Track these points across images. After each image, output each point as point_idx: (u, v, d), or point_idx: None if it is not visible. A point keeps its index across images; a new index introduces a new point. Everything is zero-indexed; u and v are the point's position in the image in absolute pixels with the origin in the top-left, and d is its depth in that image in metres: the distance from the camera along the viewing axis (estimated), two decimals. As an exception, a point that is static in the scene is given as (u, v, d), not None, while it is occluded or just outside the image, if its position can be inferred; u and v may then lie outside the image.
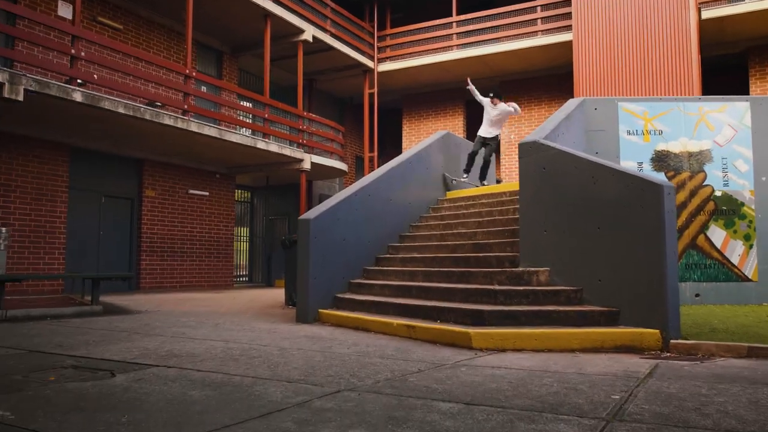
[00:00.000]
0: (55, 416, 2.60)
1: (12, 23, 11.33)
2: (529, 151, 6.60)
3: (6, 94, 9.28)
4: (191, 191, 15.30)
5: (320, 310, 7.41)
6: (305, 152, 15.49)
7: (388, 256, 8.59)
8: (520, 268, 6.45)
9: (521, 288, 6.11)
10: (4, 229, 7.16)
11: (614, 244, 5.65)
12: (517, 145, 18.25)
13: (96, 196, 13.41)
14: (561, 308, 5.70)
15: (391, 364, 4.29)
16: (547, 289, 6.04)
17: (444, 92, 19.69)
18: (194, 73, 12.74)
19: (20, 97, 9.44)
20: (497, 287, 6.19)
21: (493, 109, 10.69)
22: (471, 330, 5.34)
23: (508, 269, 6.58)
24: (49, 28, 11.50)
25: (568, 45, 15.94)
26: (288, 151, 14.90)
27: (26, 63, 10.57)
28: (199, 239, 15.48)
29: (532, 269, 6.35)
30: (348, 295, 7.68)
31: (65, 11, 12.57)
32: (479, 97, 11.01)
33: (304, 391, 3.21)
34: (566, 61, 16.52)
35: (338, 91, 20.61)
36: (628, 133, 9.10)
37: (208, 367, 3.93)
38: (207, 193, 15.74)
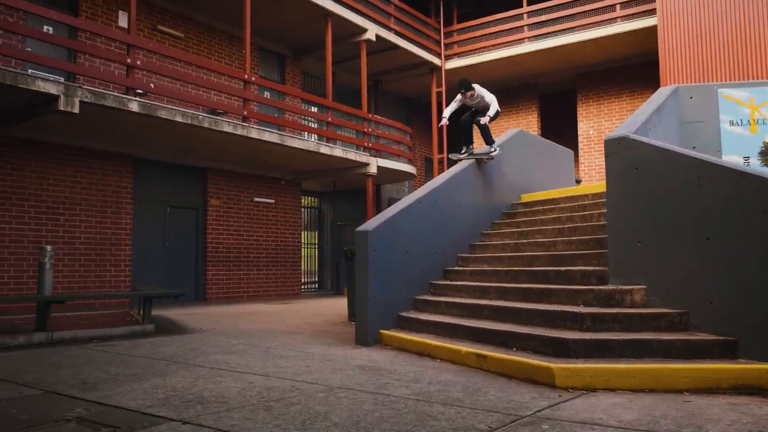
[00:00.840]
0: None
1: (74, 36, 11.26)
2: (617, 148, 5.65)
3: (62, 107, 9.10)
4: (256, 199, 14.97)
5: (382, 331, 6.70)
6: (371, 156, 14.86)
7: (457, 268, 7.79)
8: (610, 286, 5.51)
9: (612, 311, 5.18)
10: (49, 248, 6.84)
11: (730, 257, 4.65)
12: (596, 142, 17.08)
13: (160, 206, 13.24)
14: (663, 336, 4.74)
15: (456, 415, 3.52)
16: (645, 312, 5.09)
17: (516, 88, 18.62)
18: (253, 78, 12.33)
19: (76, 110, 9.24)
20: (583, 309, 5.29)
21: (472, 100, 8.58)
22: (554, 364, 4.49)
23: (595, 287, 5.65)
24: (110, 40, 11.36)
25: (650, 31, 14.57)
26: (353, 155, 14.31)
27: (86, 75, 10.43)
28: (265, 248, 15.13)
29: (625, 287, 5.40)
30: (413, 314, 6.94)
31: (126, 21, 12.43)
32: (454, 105, 8.82)
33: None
34: (649, 49, 15.16)
35: (405, 92, 19.91)
36: (731, 123, 7.94)
37: (232, 421, 3.28)
38: (272, 201, 15.38)
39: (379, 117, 15.86)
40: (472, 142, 9.00)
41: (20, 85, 8.71)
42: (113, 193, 12.16)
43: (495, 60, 17.13)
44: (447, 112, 8.88)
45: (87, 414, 3.41)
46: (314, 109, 15.02)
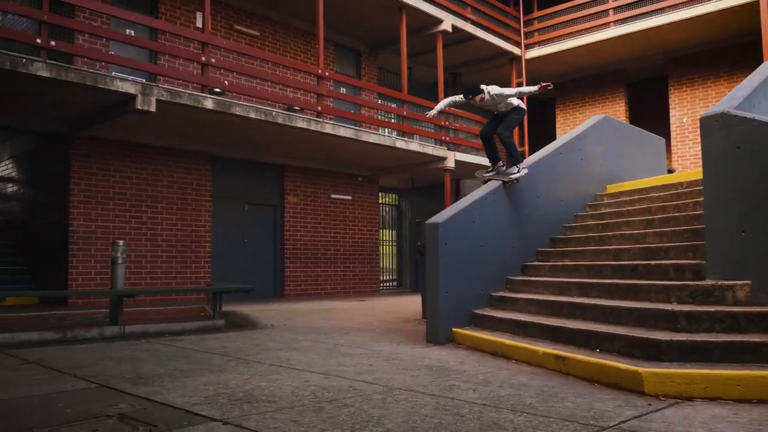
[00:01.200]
0: None
1: (155, 38, 11.51)
2: (715, 126, 5.02)
3: (139, 106, 9.25)
4: (333, 196, 14.89)
5: (454, 329, 6.32)
6: (449, 150, 14.44)
7: (536, 263, 7.29)
8: (709, 282, 4.90)
9: (711, 309, 4.57)
10: (121, 242, 6.90)
11: None
12: (690, 130, 15.88)
13: (239, 203, 13.37)
14: (773, 339, 4.12)
15: (526, 424, 3.11)
16: (750, 310, 4.46)
17: (601, 76, 17.66)
18: (326, 73, 12.20)
19: (152, 108, 9.38)
20: (677, 307, 4.71)
21: (489, 104, 7.24)
22: (642, 368, 3.97)
23: (691, 282, 5.04)
24: (188, 41, 11.55)
25: (751, 6, 13.34)
26: (430, 149, 13.94)
27: (164, 75, 10.62)
28: (342, 245, 15.03)
29: (726, 282, 4.77)
30: (487, 312, 6.52)
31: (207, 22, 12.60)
32: (448, 100, 7.61)
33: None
34: (749, 26, 13.93)
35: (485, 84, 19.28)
36: None
37: (276, 423, 3.03)
38: (350, 197, 15.26)
39: (456, 110, 15.41)
40: (500, 158, 7.40)
41: (100, 86, 8.92)
42: (193, 191, 12.37)
43: (578, 47, 16.28)
44: (436, 108, 7.59)
45: (130, 410, 3.26)
46: (395, 106, 14.76)
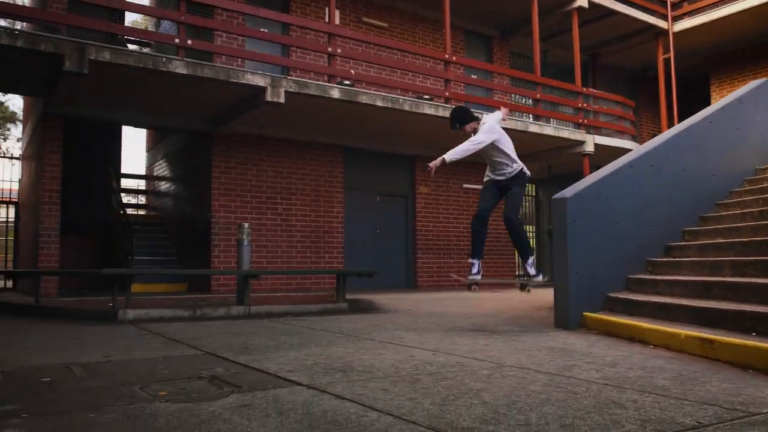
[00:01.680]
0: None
1: (286, 33, 11.87)
2: None
3: (269, 98, 9.53)
4: (465, 185, 14.54)
5: (585, 314, 5.78)
6: (587, 133, 13.55)
7: (681, 243, 6.51)
8: None
9: None
10: (246, 225, 7.08)
11: None
12: None
13: (370, 195, 13.45)
14: None
15: (653, 405, 2.65)
16: None
17: (763, 46, 15.72)
18: (454, 58, 11.89)
19: (281, 99, 9.63)
20: None
21: (476, 138, 5.82)
22: (808, 351, 3.31)
23: None
24: (319, 35, 11.78)
25: None
26: (566, 133, 13.16)
27: (294, 67, 10.91)
28: (476, 236, 14.60)
29: None
30: (624, 295, 5.90)
31: (335, 16, 12.81)
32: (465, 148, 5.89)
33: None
34: None
35: (628, 64, 17.96)
36: None
37: (362, 390, 2.81)
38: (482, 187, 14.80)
39: (594, 90, 14.45)
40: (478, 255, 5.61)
41: (232, 80, 9.30)
42: (326, 182, 12.60)
43: (735, 14, 14.55)
44: (446, 157, 5.77)
45: (223, 374, 3.21)
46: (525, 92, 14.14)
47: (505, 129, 12.20)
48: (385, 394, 2.74)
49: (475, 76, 14.27)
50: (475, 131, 5.79)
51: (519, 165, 5.94)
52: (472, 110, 5.86)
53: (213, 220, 11.23)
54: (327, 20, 12.68)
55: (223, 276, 11.01)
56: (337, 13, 12.63)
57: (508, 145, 5.86)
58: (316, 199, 12.45)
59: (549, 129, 12.81)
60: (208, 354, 3.91)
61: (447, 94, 11.61)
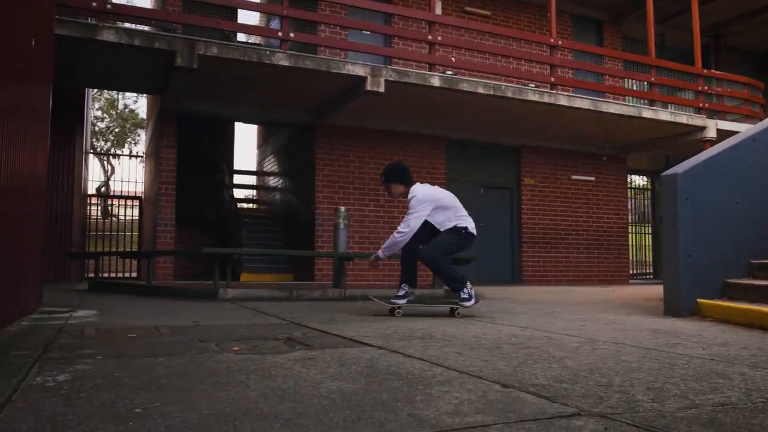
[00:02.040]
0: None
1: (389, 23, 11.92)
2: None
3: (369, 87, 9.58)
4: (574, 177, 13.94)
5: (699, 300, 5.29)
6: (708, 118, 12.57)
7: (817, 226, 5.82)
8: None
9: None
10: (342, 209, 7.15)
11: None
12: None
13: (474, 187, 13.19)
14: None
15: (763, 378, 2.33)
16: None
17: None
18: (560, 42, 11.42)
19: (381, 89, 9.64)
20: None
21: (405, 225, 5.07)
22: None
23: None
24: (419, 25, 11.73)
25: None
26: (684, 118, 12.27)
27: (393, 57, 10.92)
28: (585, 229, 13.99)
29: None
30: (745, 281, 5.35)
31: (439, 7, 12.69)
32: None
33: (495, 405, 1.71)
34: None
35: (757, 44, 16.51)
36: None
37: (437, 353, 2.69)
38: (593, 178, 14.15)
39: (718, 72, 13.39)
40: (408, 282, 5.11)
41: (333, 70, 9.43)
42: (428, 174, 12.49)
43: None
44: (380, 254, 5.23)
45: (300, 337, 3.20)
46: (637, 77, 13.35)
47: (615, 116, 11.62)
48: (459, 356, 2.60)
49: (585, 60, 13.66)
50: (403, 196, 5.18)
51: (463, 223, 5.24)
52: (409, 174, 5.27)
53: (317, 212, 11.46)
54: (434, 12, 12.63)
55: (327, 267, 11.19)
56: (439, 3, 12.52)
57: (447, 207, 5.22)
58: (417, 191, 12.37)
59: (665, 114, 12.00)
60: (292, 323, 3.93)
61: (552, 79, 11.17)
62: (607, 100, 11.80)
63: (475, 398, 1.79)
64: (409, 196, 5.08)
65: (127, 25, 9.67)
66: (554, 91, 11.00)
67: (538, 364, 2.45)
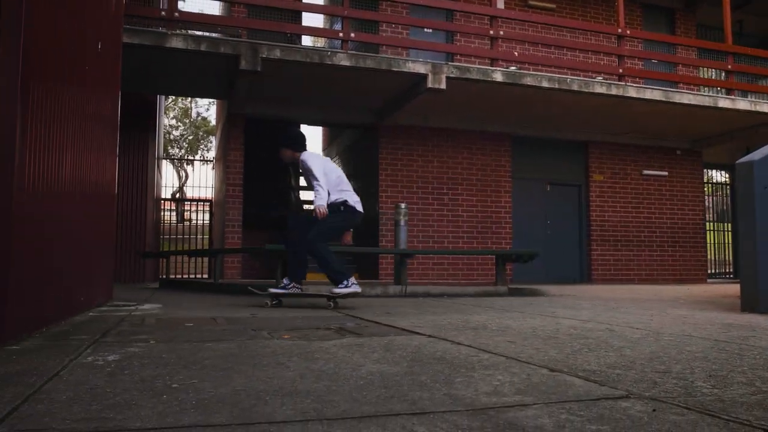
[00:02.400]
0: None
1: (450, 19, 11.83)
2: None
3: (430, 84, 9.52)
4: (646, 172, 13.41)
5: (780, 295, 4.98)
6: (792, 105, 11.83)
7: None
8: None
9: None
10: (403, 205, 7.11)
11: None
12: None
13: (540, 184, 12.92)
14: None
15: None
16: None
17: None
18: (628, 32, 11.02)
19: (442, 85, 9.56)
20: None
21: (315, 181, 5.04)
22: None
23: None
24: (481, 19, 11.59)
25: None
26: (766, 107, 11.60)
27: (455, 53, 10.83)
28: (658, 226, 13.43)
29: None
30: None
31: (500, 2, 12.49)
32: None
33: (539, 387, 1.64)
34: None
35: None
36: None
37: (487, 341, 2.62)
38: (666, 173, 13.58)
39: (805, 57, 12.58)
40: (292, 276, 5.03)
41: (394, 69, 9.42)
42: (492, 171, 12.32)
43: None
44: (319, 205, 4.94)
45: (352, 327, 3.20)
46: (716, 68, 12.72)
47: (688, 106, 11.11)
48: (510, 344, 2.52)
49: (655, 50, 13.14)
50: (292, 163, 5.30)
51: (343, 197, 5.07)
52: (301, 142, 5.24)
53: (380, 211, 11.48)
54: (498, 7, 12.47)
55: (390, 266, 11.19)
56: (501, -1, 12.35)
57: (331, 178, 5.07)
58: (482, 188, 12.22)
59: (744, 103, 11.37)
60: (348, 315, 3.94)
61: (620, 70, 10.78)
62: (680, 90, 11.31)
63: (518, 381, 1.72)
64: (304, 161, 5.04)
65: (197, 33, 10.00)
66: (622, 83, 10.62)
67: (593, 353, 2.35)
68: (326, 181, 4.93)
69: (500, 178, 12.38)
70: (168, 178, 36.21)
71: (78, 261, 3.84)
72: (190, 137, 29.80)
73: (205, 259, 15.59)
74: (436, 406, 1.43)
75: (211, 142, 33.45)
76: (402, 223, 6.96)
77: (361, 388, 1.61)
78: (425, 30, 11.28)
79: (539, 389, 1.63)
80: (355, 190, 5.12)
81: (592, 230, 12.95)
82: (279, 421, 1.31)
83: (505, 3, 12.50)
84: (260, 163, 14.18)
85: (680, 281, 13.23)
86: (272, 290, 4.96)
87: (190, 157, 30.62)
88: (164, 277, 7.85)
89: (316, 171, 4.92)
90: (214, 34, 9.58)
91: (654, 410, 1.42)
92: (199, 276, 15.23)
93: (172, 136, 29.65)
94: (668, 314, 4.49)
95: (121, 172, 10.26)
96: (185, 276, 14.98)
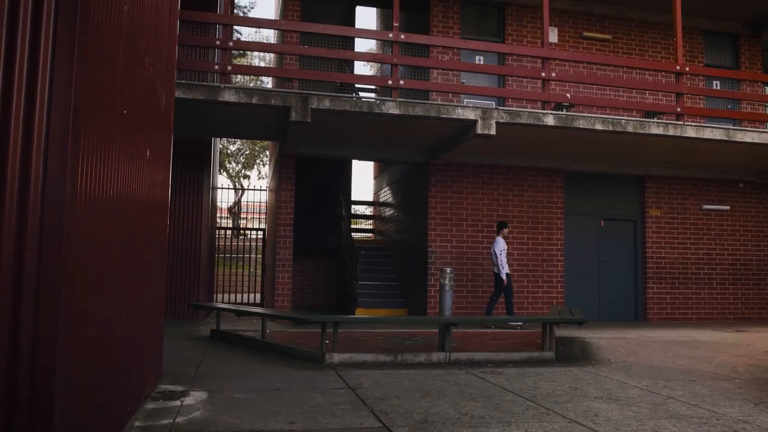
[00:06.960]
0: None
1: (502, 62, 11.72)
2: None
3: (479, 131, 9.49)
4: (705, 206, 12.98)
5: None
6: None
7: None
8: None
9: None
10: (449, 269, 7.06)
11: None
12: None
13: (593, 219, 12.68)
14: None
15: None
16: None
17: None
18: (687, 69, 10.68)
19: (492, 131, 9.53)
20: None
21: None
22: None
23: None
24: (533, 58, 11.43)
25: None
26: None
27: (506, 96, 10.76)
28: (719, 263, 12.97)
29: None
30: None
31: (555, 36, 12.30)
32: None
33: None
34: None
35: None
36: None
37: None
38: (727, 207, 13.11)
39: None
40: None
41: (443, 116, 9.44)
42: (544, 208, 12.16)
43: None
44: None
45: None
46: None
47: (755, 144, 10.66)
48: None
49: (718, 84, 12.69)
50: None
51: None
52: None
53: (429, 249, 11.49)
54: (550, 41, 12.28)
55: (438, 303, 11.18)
56: (555, 30, 12.18)
57: None
58: (534, 225, 12.08)
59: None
60: (384, 427, 3.95)
61: (679, 109, 10.45)
62: (743, 128, 10.89)
63: None
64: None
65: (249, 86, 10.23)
66: (680, 122, 10.31)
67: None
68: None
69: (552, 214, 12.20)
70: (223, 195, 37.00)
71: (134, 328, 3.98)
72: (247, 152, 30.47)
73: (257, 276, 15.95)
74: None
75: (267, 156, 34.13)
76: (447, 288, 6.94)
77: None
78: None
79: None
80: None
81: (648, 267, 12.61)
82: None
83: (559, 35, 12.33)
84: (313, 193, 14.46)
85: (742, 320, 12.73)
86: None
87: (247, 173, 31.30)
88: (216, 329, 8.08)
89: None
90: (266, 83, 9.78)
91: None
92: (251, 296, 15.57)
93: (229, 151, 30.34)
94: (722, 419, 4.33)
95: (177, 209, 10.58)
96: (237, 296, 15.29)
